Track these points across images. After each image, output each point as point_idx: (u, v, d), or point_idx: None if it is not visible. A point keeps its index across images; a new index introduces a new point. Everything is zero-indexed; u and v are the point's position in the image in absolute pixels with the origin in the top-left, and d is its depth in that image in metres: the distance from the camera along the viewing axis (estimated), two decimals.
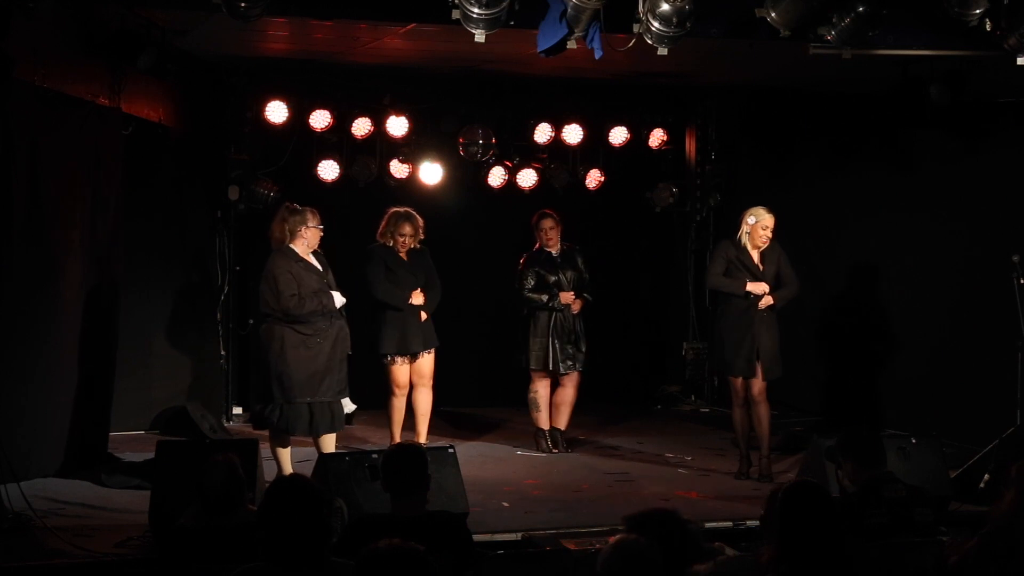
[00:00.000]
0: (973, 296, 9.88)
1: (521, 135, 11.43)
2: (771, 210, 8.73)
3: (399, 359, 9.10)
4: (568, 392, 9.64)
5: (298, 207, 8.29)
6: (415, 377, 9.18)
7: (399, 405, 9.15)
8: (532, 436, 9.75)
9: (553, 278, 9.53)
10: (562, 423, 9.73)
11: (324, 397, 8.12)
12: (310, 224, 8.22)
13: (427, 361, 9.18)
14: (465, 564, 5.04)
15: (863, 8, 7.00)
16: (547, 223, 9.62)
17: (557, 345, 9.52)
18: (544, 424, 9.68)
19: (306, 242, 8.22)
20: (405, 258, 9.14)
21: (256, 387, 8.16)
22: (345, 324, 8.35)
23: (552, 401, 9.68)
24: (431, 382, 9.23)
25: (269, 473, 7.32)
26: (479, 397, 11.52)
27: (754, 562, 4.53)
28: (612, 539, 4.04)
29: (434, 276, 9.25)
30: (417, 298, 9.03)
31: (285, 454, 8.19)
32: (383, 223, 9.16)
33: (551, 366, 9.52)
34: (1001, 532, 4.82)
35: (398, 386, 9.12)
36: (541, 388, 9.63)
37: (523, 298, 9.54)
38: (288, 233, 8.20)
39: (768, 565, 4.34)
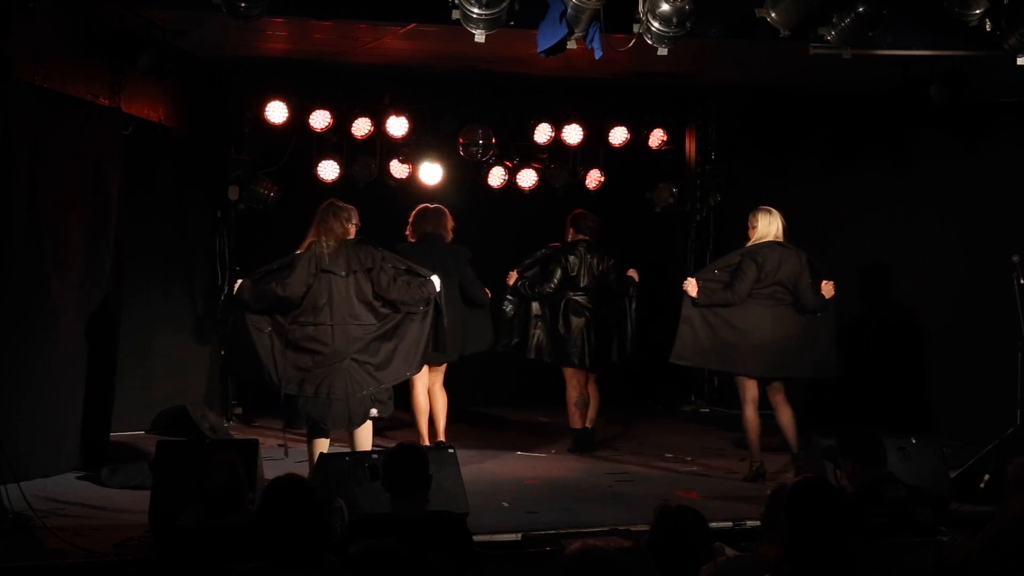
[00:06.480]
0: (973, 296, 9.89)
1: (521, 135, 11.42)
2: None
3: None
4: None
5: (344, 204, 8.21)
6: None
7: (414, 400, 9.12)
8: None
9: None
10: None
11: None
12: (354, 220, 8.21)
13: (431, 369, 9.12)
14: (465, 564, 5.05)
15: (863, 8, 7.00)
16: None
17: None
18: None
19: None
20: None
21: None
22: None
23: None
24: (435, 385, 9.17)
25: (270, 473, 7.31)
26: (480, 397, 11.51)
27: (754, 562, 4.53)
28: (575, 545, 3.60)
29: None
30: None
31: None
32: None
33: None
34: (1007, 534, 4.83)
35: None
36: None
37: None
38: (347, 229, 8.11)
39: (774, 563, 4.32)
